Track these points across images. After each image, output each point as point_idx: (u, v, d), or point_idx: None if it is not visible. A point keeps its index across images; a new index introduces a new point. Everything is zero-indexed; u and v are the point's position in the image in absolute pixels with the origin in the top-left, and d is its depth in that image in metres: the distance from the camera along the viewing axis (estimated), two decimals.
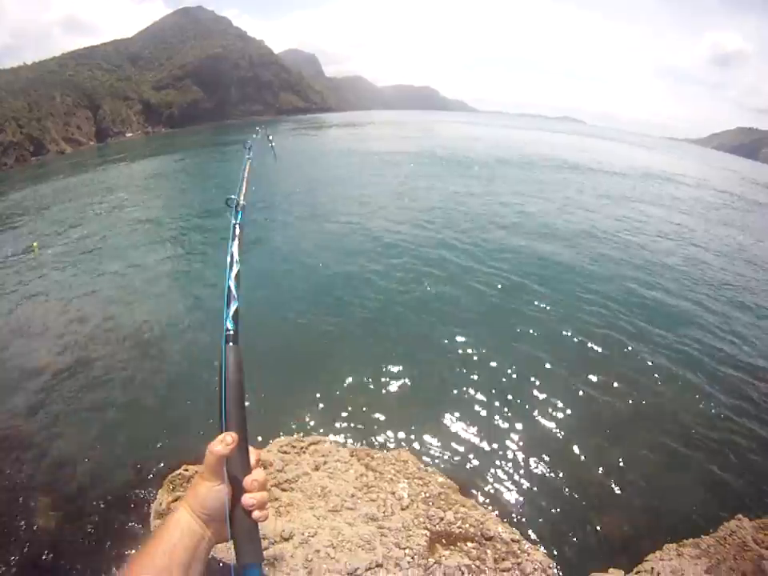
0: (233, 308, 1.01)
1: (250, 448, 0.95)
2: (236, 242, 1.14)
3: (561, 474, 6.20)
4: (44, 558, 5.40)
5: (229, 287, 1.04)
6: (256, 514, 0.87)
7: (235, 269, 1.07)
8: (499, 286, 11.91)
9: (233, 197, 1.28)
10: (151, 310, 11.59)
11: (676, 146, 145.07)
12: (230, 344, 0.97)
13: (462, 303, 10.98)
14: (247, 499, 0.87)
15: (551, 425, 7.12)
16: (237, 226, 1.19)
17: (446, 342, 9.29)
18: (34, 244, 18.24)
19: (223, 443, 0.89)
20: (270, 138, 3.70)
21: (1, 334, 11.17)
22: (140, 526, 5.58)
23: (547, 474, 6.20)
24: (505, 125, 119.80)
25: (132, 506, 6.00)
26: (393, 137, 60.20)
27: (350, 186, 25.03)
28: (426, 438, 6.74)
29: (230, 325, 0.99)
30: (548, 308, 10.79)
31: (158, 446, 7.00)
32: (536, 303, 10.99)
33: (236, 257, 1.10)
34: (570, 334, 9.65)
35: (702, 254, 16.74)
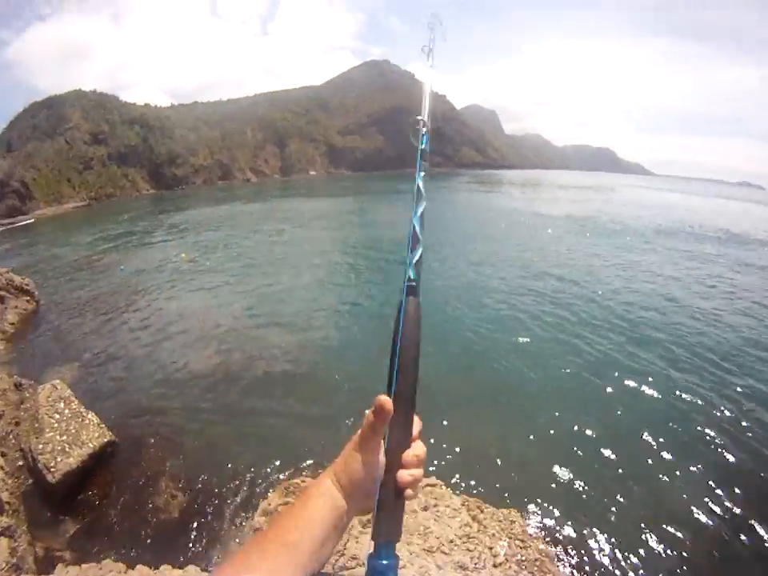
0: (417, 254, 0.84)
1: (415, 418, 0.83)
2: (422, 173, 0.90)
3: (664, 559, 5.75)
4: (159, 535, 6.23)
5: (414, 228, 0.85)
6: (409, 492, 0.77)
7: (422, 206, 0.87)
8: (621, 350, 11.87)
9: (419, 117, 0.93)
10: (289, 325, 13.19)
11: None
12: (411, 297, 0.82)
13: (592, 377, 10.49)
14: (404, 476, 0.76)
15: (673, 511, 6.55)
16: (422, 153, 0.92)
17: (585, 414, 8.95)
18: (183, 255, 21.96)
19: (377, 409, 0.78)
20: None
21: (146, 328, 13.26)
22: (245, 519, 6.30)
23: (651, 560, 5.74)
24: (682, 190, 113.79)
25: (243, 501, 6.73)
26: (563, 199, 60.40)
27: (495, 245, 25.62)
28: (542, 501, 6.60)
29: (411, 273, 0.83)
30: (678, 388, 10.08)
31: (283, 451, 7.68)
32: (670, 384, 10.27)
33: (422, 191, 0.88)
34: (686, 407, 9.31)
35: None
